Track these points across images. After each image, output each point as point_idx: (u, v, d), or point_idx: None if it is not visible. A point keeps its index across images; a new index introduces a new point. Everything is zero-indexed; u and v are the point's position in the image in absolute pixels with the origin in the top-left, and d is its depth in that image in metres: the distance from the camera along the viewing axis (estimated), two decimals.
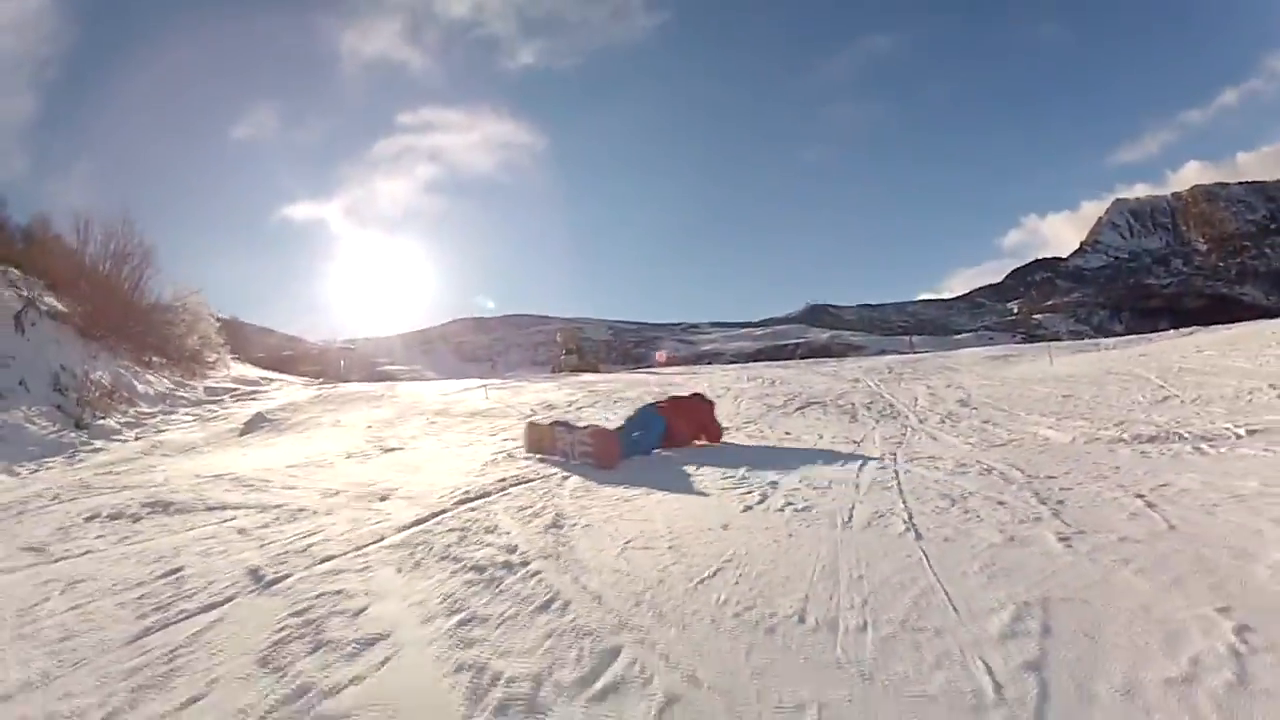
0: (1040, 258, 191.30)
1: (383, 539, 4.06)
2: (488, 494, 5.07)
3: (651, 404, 7.84)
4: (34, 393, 12.13)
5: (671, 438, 7.05)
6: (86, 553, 4.37)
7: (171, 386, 15.22)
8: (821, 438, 7.12)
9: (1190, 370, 9.17)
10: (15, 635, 2.99)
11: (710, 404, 7.75)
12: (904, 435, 6.94)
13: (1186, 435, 5.57)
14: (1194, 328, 17.98)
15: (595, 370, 23.92)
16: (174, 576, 3.69)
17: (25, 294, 14.63)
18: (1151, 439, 5.61)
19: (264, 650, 2.67)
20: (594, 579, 3.16)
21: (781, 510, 4.17)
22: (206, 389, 15.80)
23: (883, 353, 27.81)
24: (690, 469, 5.72)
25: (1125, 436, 5.83)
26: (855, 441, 6.75)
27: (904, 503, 4.13)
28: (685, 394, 8.16)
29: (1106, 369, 10.54)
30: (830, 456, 5.99)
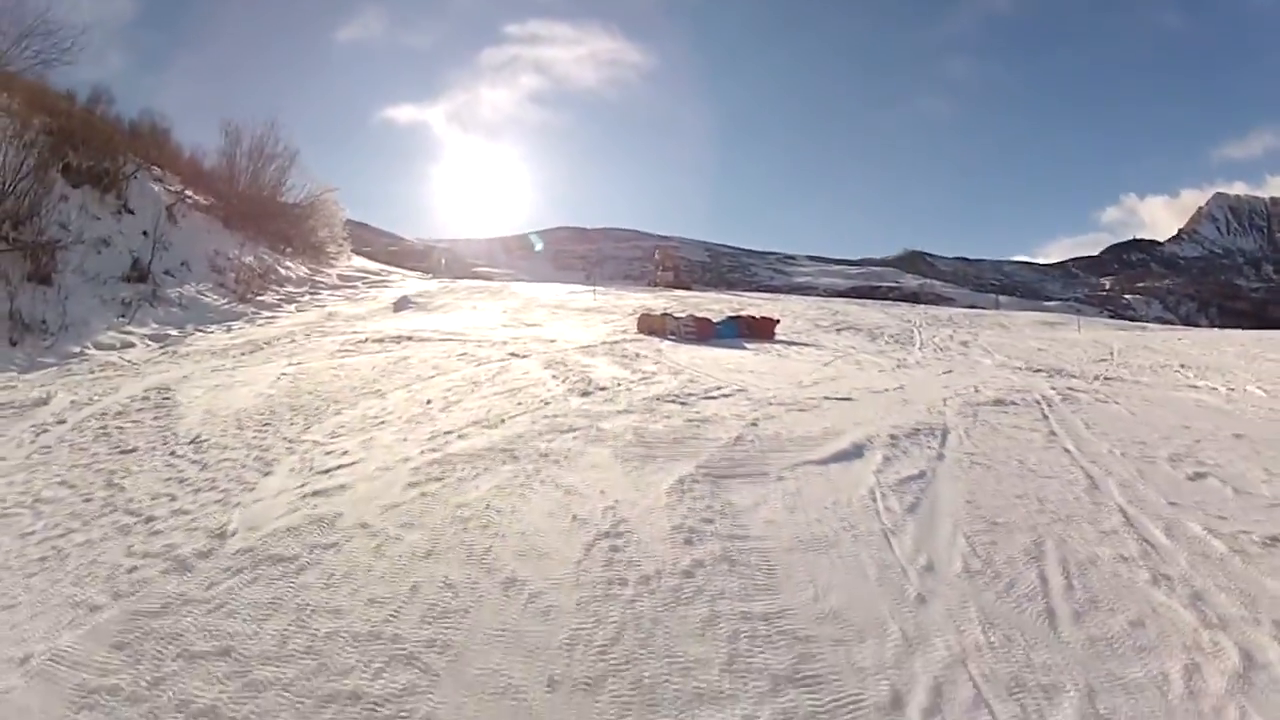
0: (1138, 238, 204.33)
1: (567, 350, 9.71)
2: (618, 342, 10.80)
3: (734, 315, 13.44)
4: (195, 272, 17.91)
5: (742, 333, 12.55)
6: (384, 353, 10.02)
7: (309, 272, 21.45)
8: (836, 346, 12.38)
9: (1147, 349, 13.78)
10: (403, 373, 8.68)
11: (774, 320, 13.36)
12: (891, 351, 12.13)
13: (1065, 372, 10.42)
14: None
15: (687, 289, 29.65)
16: (467, 355, 9.40)
17: (173, 189, 20.74)
18: (1038, 370, 10.51)
19: (543, 367, 8.33)
20: (677, 361, 8.91)
21: (773, 356, 9.76)
22: (339, 276, 22.09)
23: (973, 306, 32.89)
24: (738, 346, 11.23)
25: (1025, 368, 10.75)
26: (854, 348, 12.01)
27: (833, 359, 9.67)
28: (755, 315, 13.76)
29: (1096, 339, 15.32)
30: (825, 350, 11.36)
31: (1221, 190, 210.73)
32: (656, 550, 3.45)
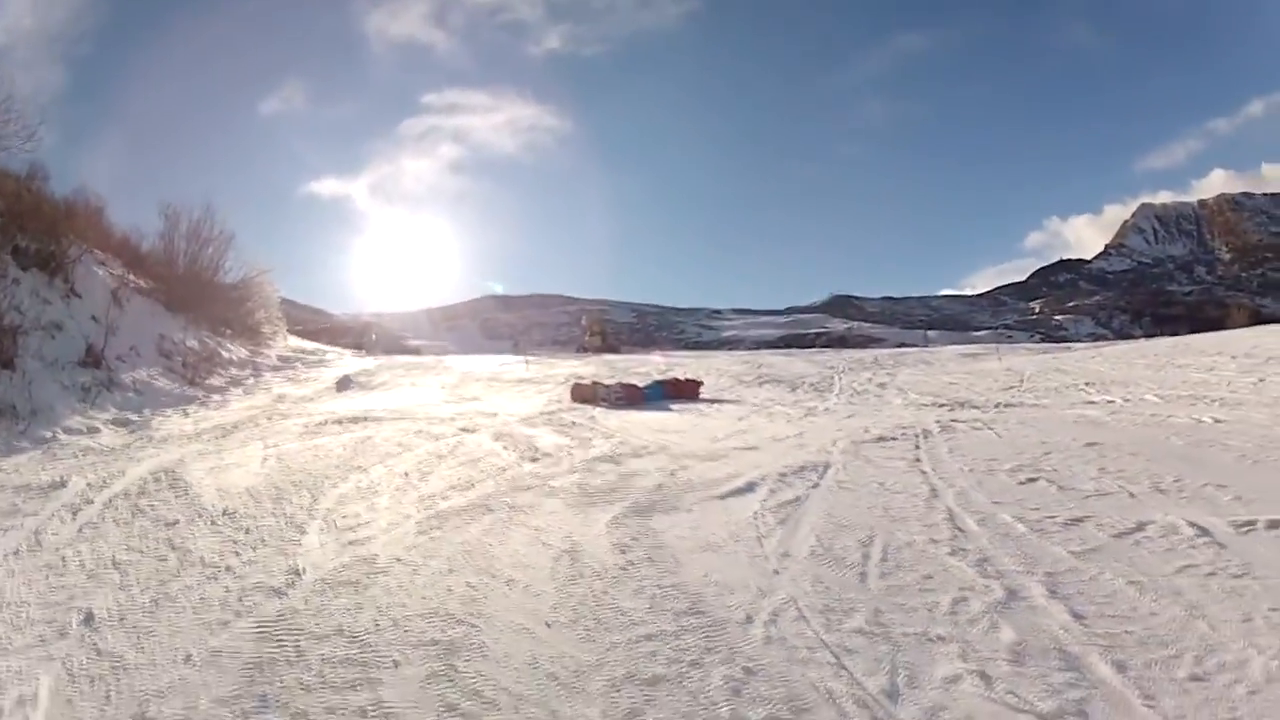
0: (1065, 258, 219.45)
1: (511, 422, 11.40)
2: (554, 412, 12.54)
3: (660, 379, 15.34)
4: (144, 357, 18.52)
5: (668, 395, 14.38)
6: (348, 434, 11.54)
7: (249, 354, 22.68)
8: (756, 400, 14.27)
9: (1056, 370, 16.11)
10: (373, 451, 10.30)
11: (698, 382, 15.22)
12: (808, 400, 14.06)
13: (969, 404, 12.50)
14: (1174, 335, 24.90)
15: (616, 352, 31.82)
16: (422, 432, 11.00)
17: (116, 273, 21.80)
18: (942, 405, 12.57)
19: (493, 440, 10.02)
20: (609, 426, 10.76)
21: (695, 415, 11.56)
22: (279, 357, 23.40)
23: (901, 345, 35.67)
24: (664, 407, 13.02)
25: (930, 404, 12.80)
26: (773, 400, 13.91)
27: (748, 414, 11.51)
28: (682, 376, 15.67)
29: (1010, 367, 17.60)
30: (744, 405, 13.22)
31: (1147, 201, 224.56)
32: (602, 557, 5.18)
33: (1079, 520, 5.57)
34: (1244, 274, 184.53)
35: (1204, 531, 5.21)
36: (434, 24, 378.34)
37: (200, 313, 22.66)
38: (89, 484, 8.24)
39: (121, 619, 4.62)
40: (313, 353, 25.64)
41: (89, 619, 4.65)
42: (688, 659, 3.70)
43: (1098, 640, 3.75)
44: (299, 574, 5.17)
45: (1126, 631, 3.84)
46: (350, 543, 5.82)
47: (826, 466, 7.73)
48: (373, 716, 3.27)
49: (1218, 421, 9.32)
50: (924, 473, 7.34)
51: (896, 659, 3.65)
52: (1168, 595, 4.25)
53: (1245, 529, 5.24)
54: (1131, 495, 6.22)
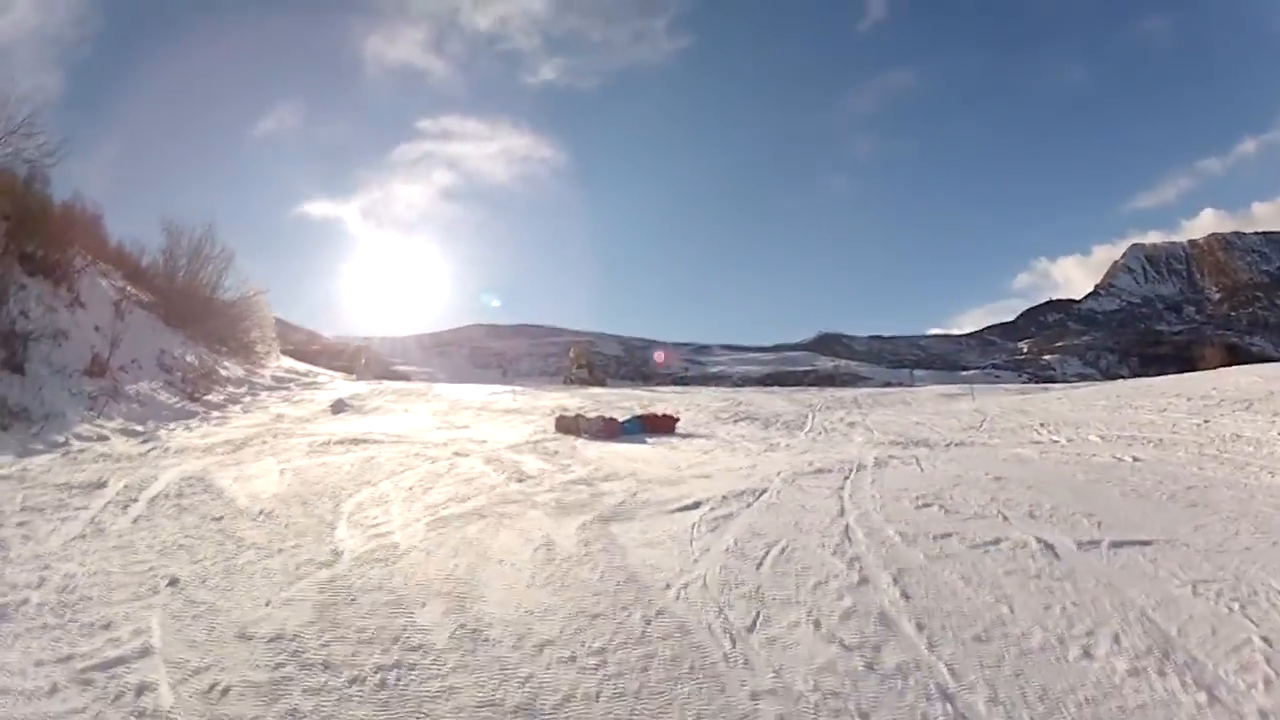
0: (1054, 299, 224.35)
1: (499, 449, 13.35)
2: (540, 441, 14.55)
3: (639, 415, 17.32)
4: (146, 370, 19.82)
5: (646, 429, 16.33)
6: (352, 454, 13.39)
7: (245, 373, 24.44)
8: (727, 435, 16.19)
9: (1019, 412, 17.73)
10: (378, 469, 12.20)
11: (674, 418, 17.19)
12: (776, 437, 15.96)
13: (922, 441, 14.22)
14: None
15: (602, 385, 33.80)
16: (420, 455, 12.91)
17: (117, 284, 23.34)
18: (896, 443, 14.29)
19: (484, 463, 11.93)
20: (588, 456, 12.76)
21: (666, 448, 13.56)
22: (273, 377, 25.22)
23: (887, 384, 37.77)
24: (640, 440, 14.97)
25: (887, 442, 14.60)
26: (743, 436, 15.84)
27: (714, 448, 13.50)
28: (660, 412, 17.66)
29: (978, 408, 19.43)
30: (715, 440, 15.18)
31: (1136, 241, 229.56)
32: (570, 549, 7.10)
33: (947, 535, 6.89)
34: (1233, 313, 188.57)
35: (1049, 547, 6.39)
36: (432, 51, 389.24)
37: (198, 329, 24.20)
38: (127, 485, 9.72)
39: (203, 581, 6.28)
40: (305, 374, 27.39)
41: (174, 582, 6.21)
42: (620, 605, 5.59)
43: (913, 611, 5.18)
44: (339, 554, 7.03)
45: (940, 608, 5.19)
46: (374, 535, 7.69)
47: (763, 491, 9.33)
48: (410, 630, 5.18)
49: (1136, 460, 10.27)
50: (841, 498, 8.85)
51: (761, 612, 5.43)
52: (988, 588, 5.53)
53: (1088, 547, 6.37)
54: (1005, 519, 7.40)
